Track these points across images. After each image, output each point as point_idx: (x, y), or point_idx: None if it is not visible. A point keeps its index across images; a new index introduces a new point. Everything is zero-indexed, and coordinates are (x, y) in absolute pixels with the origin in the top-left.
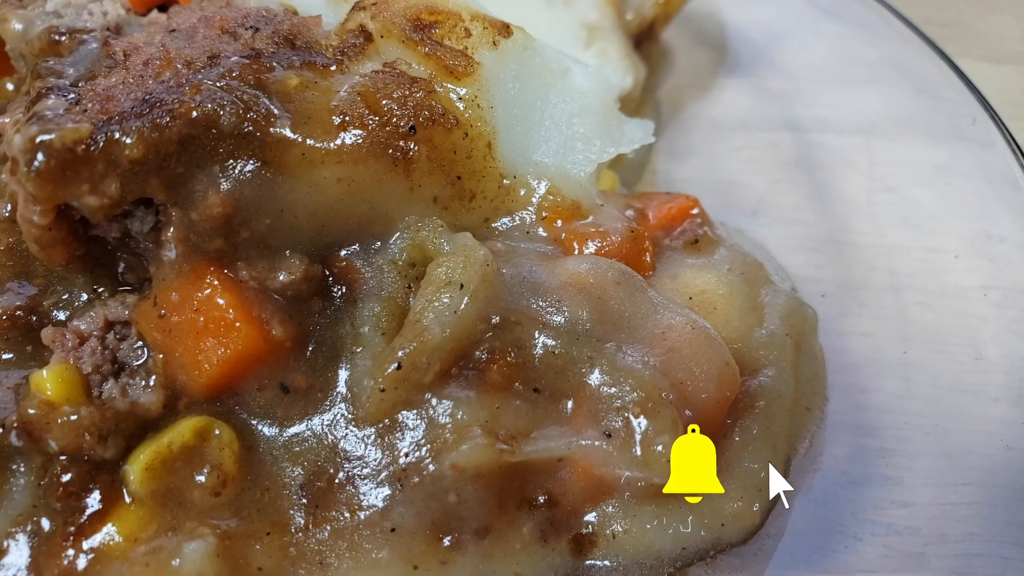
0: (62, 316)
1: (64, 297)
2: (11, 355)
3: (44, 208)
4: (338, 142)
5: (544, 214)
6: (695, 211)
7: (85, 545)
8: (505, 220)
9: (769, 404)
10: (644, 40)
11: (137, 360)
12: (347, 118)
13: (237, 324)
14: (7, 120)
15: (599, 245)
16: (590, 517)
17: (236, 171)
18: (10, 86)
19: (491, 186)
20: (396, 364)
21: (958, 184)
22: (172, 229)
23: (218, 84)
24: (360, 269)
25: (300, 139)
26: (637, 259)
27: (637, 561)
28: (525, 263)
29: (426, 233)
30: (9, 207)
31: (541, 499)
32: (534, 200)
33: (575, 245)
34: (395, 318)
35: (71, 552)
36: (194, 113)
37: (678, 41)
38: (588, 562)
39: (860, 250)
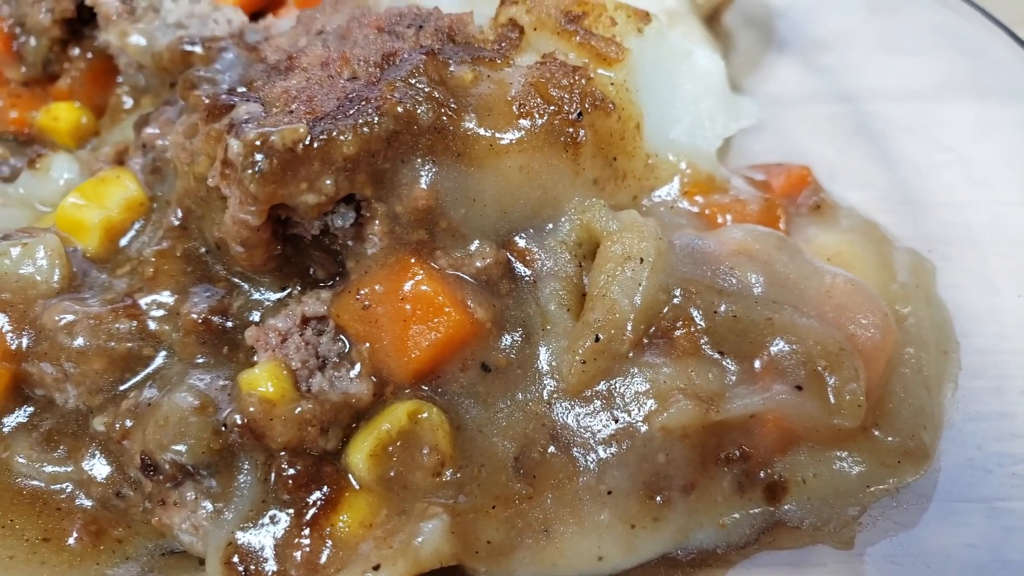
0: (252, 317)
1: (252, 298)
2: (207, 359)
3: (260, 209)
4: (519, 132)
5: (685, 189)
6: (809, 179)
7: (321, 535)
8: (652, 196)
9: (917, 350)
10: (711, 23)
11: (338, 352)
12: (524, 108)
13: (446, 309)
14: (155, 130)
15: (738, 215)
16: (781, 466)
17: (434, 164)
18: (128, 101)
19: (638, 165)
20: (594, 337)
21: (1010, 138)
22: (377, 223)
23: (411, 81)
24: (535, 251)
25: (487, 131)
26: (772, 226)
27: (826, 503)
28: (684, 235)
29: (592, 214)
30: (180, 214)
31: (736, 454)
32: (676, 176)
33: (716, 217)
34: (574, 295)
35: (308, 543)
36: (399, 109)
37: (727, 22)
38: (782, 508)
39: (932, 208)
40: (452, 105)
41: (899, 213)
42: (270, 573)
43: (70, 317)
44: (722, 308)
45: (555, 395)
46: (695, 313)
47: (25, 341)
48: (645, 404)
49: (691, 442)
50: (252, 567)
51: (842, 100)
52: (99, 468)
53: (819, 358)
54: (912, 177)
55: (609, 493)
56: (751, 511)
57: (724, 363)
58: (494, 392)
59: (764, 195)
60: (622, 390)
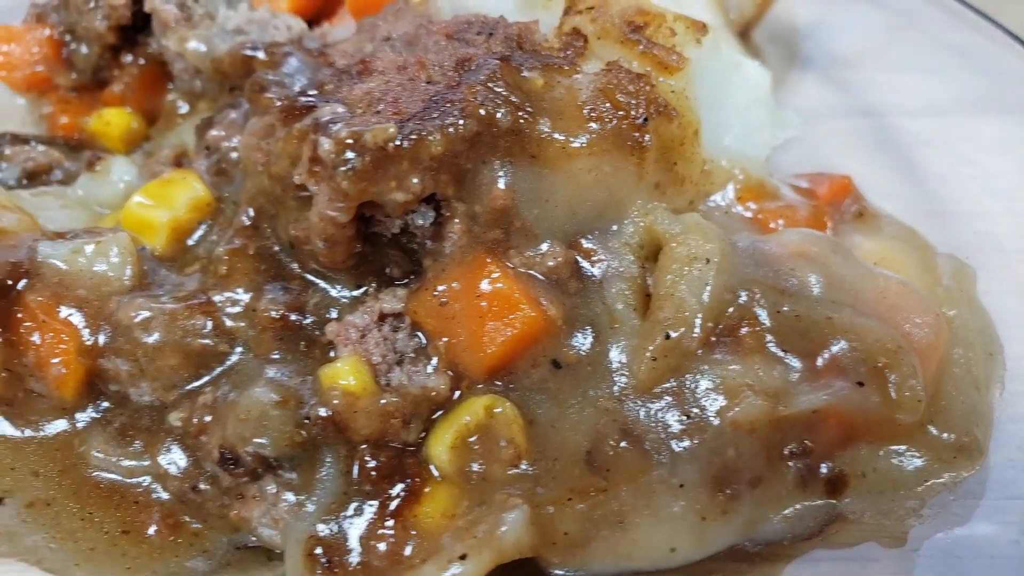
0: (328, 315)
1: (327, 296)
2: (282, 355)
3: (349, 206)
4: (590, 135)
5: (739, 195)
6: (851, 187)
7: (404, 525)
8: (708, 202)
9: (965, 351)
10: (742, 39)
11: (414, 348)
12: (595, 113)
13: (521, 306)
14: (220, 132)
15: (789, 221)
16: (842, 461)
17: (511, 166)
18: (184, 106)
19: (696, 171)
20: (664, 334)
21: None
22: (457, 221)
23: (489, 85)
24: (600, 252)
25: (560, 134)
26: (821, 232)
27: (886, 497)
28: (744, 238)
29: (655, 216)
30: (252, 212)
31: (799, 448)
32: (730, 182)
33: (768, 222)
34: (639, 295)
35: (391, 533)
36: (481, 111)
37: (755, 38)
38: (843, 501)
39: (959, 218)
40: (528, 108)
41: (927, 223)
42: (353, 564)
43: (146, 313)
44: (785, 308)
45: (625, 391)
46: (759, 312)
47: (101, 337)
48: (715, 400)
49: (758, 437)
50: (335, 558)
51: (865, 115)
52: (175, 462)
53: (879, 355)
54: (938, 189)
55: (681, 486)
56: (813, 504)
57: (788, 361)
58: (564, 388)
59: (811, 202)
60: (692, 386)
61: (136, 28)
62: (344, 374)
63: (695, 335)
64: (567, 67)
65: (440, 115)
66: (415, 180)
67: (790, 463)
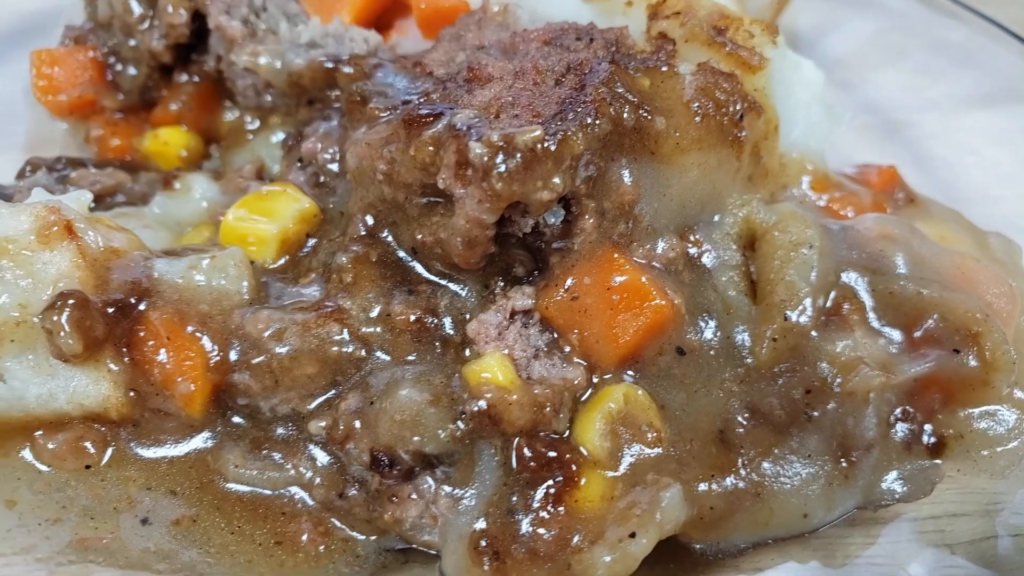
0: (457, 315)
1: (457, 297)
2: (417, 356)
3: (497, 207)
4: (698, 131)
5: (812, 185)
6: (897, 175)
7: (566, 511)
8: (785, 192)
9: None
10: None
11: (547, 342)
12: (700, 110)
13: (652, 297)
14: (315, 145)
15: (857, 208)
16: (941, 424)
17: (635, 162)
18: (229, 115)
19: (776, 164)
20: (783, 316)
21: None
22: (588, 218)
23: (611, 87)
24: (705, 243)
25: (674, 131)
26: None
27: (982, 456)
28: (831, 223)
29: (751, 207)
30: (370, 221)
31: (903, 415)
32: (803, 174)
33: (839, 209)
34: (746, 281)
35: (555, 520)
36: (611, 111)
37: None
38: (943, 461)
39: (971, 203)
40: (646, 107)
41: None
42: (520, 553)
43: (277, 325)
44: (880, 286)
45: (748, 372)
46: (859, 290)
47: (230, 352)
48: (832, 374)
49: (871, 406)
50: (501, 549)
51: (869, 112)
52: (317, 471)
53: (970, 324)
54: (948, 177)
55: (808, 456)
56: (920, 465)
57: (888, 334)
58: (689, 373)
59: (872, 191)
60: (810, 363)
61: (188, 47)
62: (491, 370)
63: (809, 315)
64: (665, 68)
65: (575, 116)
66: (557, 180)
67: (897, 428)
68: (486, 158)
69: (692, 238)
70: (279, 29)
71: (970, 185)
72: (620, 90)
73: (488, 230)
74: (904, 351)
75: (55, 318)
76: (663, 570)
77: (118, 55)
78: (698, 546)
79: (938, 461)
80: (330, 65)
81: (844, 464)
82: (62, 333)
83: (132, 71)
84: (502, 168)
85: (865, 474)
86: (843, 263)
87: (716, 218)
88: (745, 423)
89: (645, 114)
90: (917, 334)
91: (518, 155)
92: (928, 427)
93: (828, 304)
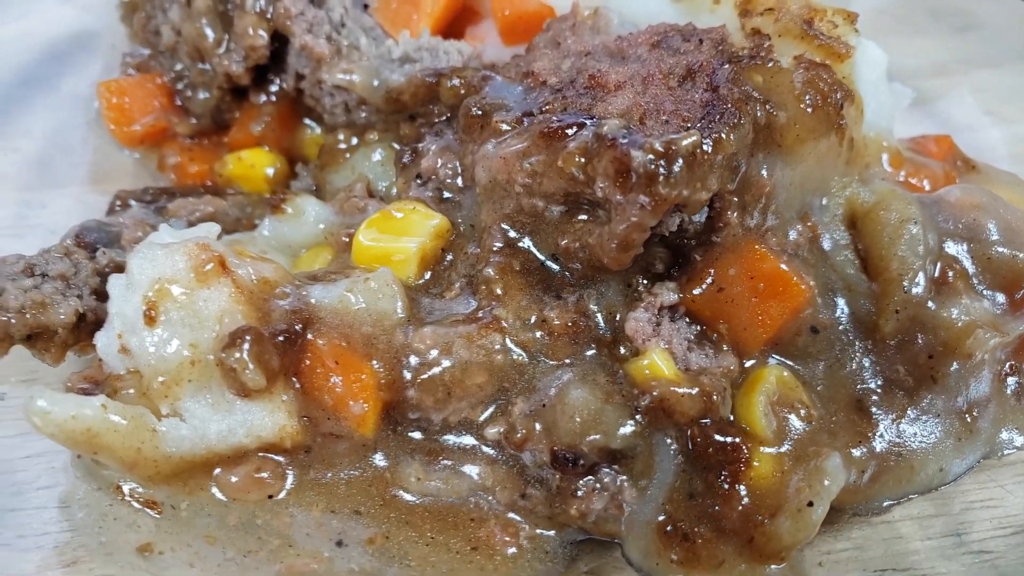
0: (607, 314)
1: (604, 297)
2: (576, 357)
3: (660, 211)
4: (811, 122)
5: (891, 162)
6: (953, 144)
7: (745, 489)
8: (870, 171)
9: None
10: None
11: (695, 333)
12: (810, 101)
13: (793, 281)
14: (435, 162)
15: (933, 181)
16: None
17: (767, 156)
18: (313, 130)
19: (861, 145)
20: (902, 289)
21: None
22: (732, 212)
23: (741, 87)
24: (819, 226)
25: (793, 123)
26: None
27: None
28: (923, 197)
29: (852, 189)
30: (507, 231)
31: (1011, 369)
32: (881, 152)
33: (917, 184)
34: (858, 259)
35: (735, 498)
36: (749, 110)
37: None
38: None
39: (1002, 162)
40: (771, 103)
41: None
42: (707, 532)
43: (443, 340)
44: (978, 252)
45: (875, 343)
46: (961, 258)
47: (400, 370)
48: (951, 337)
49: (987, 364)
50: (688, 531)
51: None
52: (497, 474)
53: None
54: (971, 138)
55: (938, 415)
56: None
57: (992, 296)
58: (824, 350)
59: (942, 164)
60: (929, 329)
61: (262, 67)
62: (655, 365)
63: (923, 286)
64: (771, 64)
65: (723, 118)
66: (713, 180)
67: (1007, 383)
68: (651, 165)
69: (809, 223)
70: (360, 44)
71: (993, 144)
72: (747, 88)
73: (646, 233)
74: (1008, 311)
75: (237, 355)
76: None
77: (186, 80)
78: (849, 509)
79: None
80: (432, 80)
81: (968, 419)
82: (248, 369)
83: (203, 95)
84: (667, 173)
85: (986, 427)
86: (943, 234)
87: (824, 201)
88: (878, 390)
89: (771, 110)
90: (1019, 295)
91: (679, 160)
92: None
93: (936, 274)
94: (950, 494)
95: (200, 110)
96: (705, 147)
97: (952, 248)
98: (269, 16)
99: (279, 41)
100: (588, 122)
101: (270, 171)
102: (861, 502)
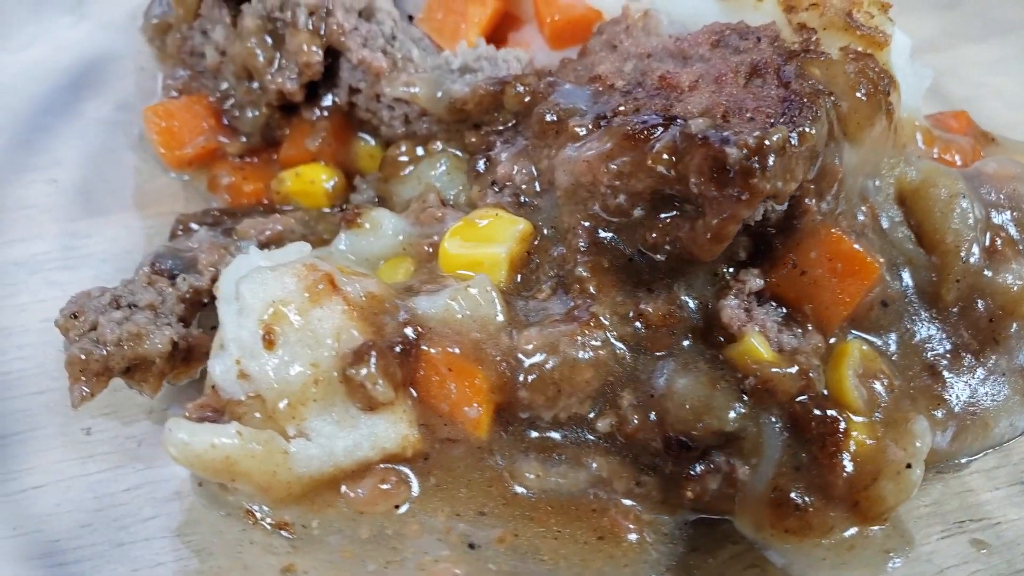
0: (698, 303)
1: (692, 287)
2: (673, 346)
3: (754, 203)
4: (867, 109)
5: (924, 140)
6: (969, 119)
7: (847, 457)
8: (907, 150)
9: None
10: None
11: (782, 315)
12: (863, 89)
13: (867, 260)
14: (510, 168)
15: (964, 156)
16: None
17: (837, 145)
18: (367, 142)
19: (899, 126)
20: (960, 259)
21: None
22: (811, 200)
23: (807, 82)
24: (877, 206)
25: (853, 112)
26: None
27: None
28: (964, 171)
29: (900, 169)
30: (592, 230)
31: None
32: (916, 131)
33: (949, 160)
34: (915, 234)
35: (839, 466)
36: (822, 103)
37: None
38: None
39: (1005, 132)
40: (834, 95)
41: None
42: (815, 501)
43: (549, 340)
44: (1022, 220)
45: (940, 311)
46: (1007, 226)
47: (511, 372)
48: (1008, 301)
49: None
50: (801, 501)
51: None
52: (611, 464)
53: None
54: (972, 110)
55: (1004, 375)
56: None
57: None
58: (894, 322)
59: (969, 139)
60: (987, 295)
61: (314, 84)
62: (755, 349)
63: (978, 256)
64: (824, 58)
65: (803, 112)
66: (799, 171)
67: None
68: (745, 160)
69: (867, 204)
70: (413, 56)
71: (990, 115)
72: (812, 82)
73: (740, 224)
74: None
75: (365, 371)
76: None
77: (232, 99)
78: (933, 468)
79: None
80: (496, 88)
81: None
82: (377, 384)
83: (251, 113)
84: (762, 167)
85: None
86: (987, 205)
87: (876, 183)
88: (947, 355)
89: (836, 100)
90: None
91: (772, 154)
92: None
93: (987, 243)
94: (1008, 446)
95: (249, 128)
96: (792, 140)
97: (997, 218)
98: (322, 32)
99: (331, 56)
100: (672, 122)
101: (329, 185)
102: (943, 461)
